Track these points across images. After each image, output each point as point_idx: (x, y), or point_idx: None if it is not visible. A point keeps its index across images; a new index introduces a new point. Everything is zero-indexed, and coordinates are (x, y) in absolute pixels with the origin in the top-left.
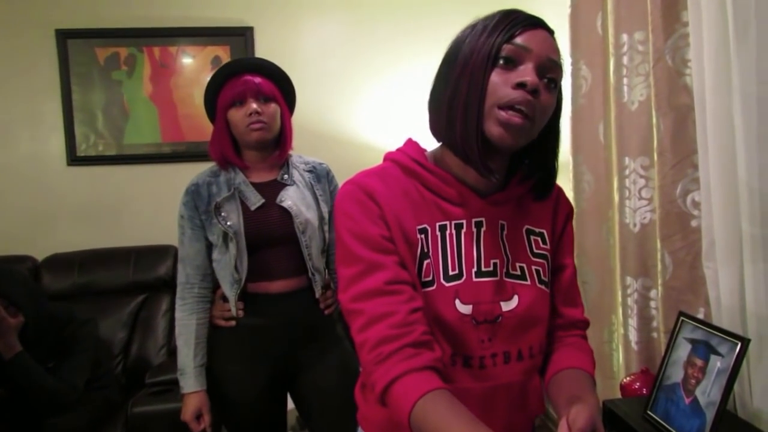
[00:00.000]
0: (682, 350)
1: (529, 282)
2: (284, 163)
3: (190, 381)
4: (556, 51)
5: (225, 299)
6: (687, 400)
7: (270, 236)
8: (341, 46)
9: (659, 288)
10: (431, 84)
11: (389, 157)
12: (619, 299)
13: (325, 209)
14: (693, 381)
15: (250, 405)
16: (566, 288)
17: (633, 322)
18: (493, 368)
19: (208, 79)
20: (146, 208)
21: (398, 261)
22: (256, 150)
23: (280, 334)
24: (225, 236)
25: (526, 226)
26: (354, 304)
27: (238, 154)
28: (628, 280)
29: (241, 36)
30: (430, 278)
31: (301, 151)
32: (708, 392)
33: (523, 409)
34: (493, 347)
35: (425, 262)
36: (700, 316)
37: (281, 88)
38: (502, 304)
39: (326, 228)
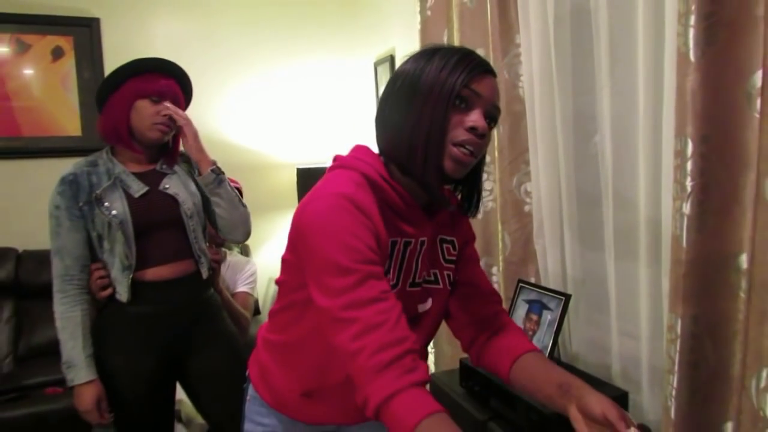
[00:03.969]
0: (521, 309)
1: (441, 285)
2: (163, 159)
3: (82, 372)
4: (499, 96)
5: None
6: None
7: (156, 222)
8: (192, 43)
9: (500, 263)
10: (382, 101)
11: (357, 168)
12: None
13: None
14: (530, 333)
15: (137, 397)
16: (478, 271)
17: None
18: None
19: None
20: None
21: (383, 271)
22: (147, 144)
23: (168, 321)
24: (109, 226)
25: (440, 236)
26: (346, 312)
27: (131, 138)
28: None
29: (86, 27)
30: (394, 282)
31: None
32: (542, 339)
33: None
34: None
35: (392, 267)
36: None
37: (187, 101)
38: (418, 306)
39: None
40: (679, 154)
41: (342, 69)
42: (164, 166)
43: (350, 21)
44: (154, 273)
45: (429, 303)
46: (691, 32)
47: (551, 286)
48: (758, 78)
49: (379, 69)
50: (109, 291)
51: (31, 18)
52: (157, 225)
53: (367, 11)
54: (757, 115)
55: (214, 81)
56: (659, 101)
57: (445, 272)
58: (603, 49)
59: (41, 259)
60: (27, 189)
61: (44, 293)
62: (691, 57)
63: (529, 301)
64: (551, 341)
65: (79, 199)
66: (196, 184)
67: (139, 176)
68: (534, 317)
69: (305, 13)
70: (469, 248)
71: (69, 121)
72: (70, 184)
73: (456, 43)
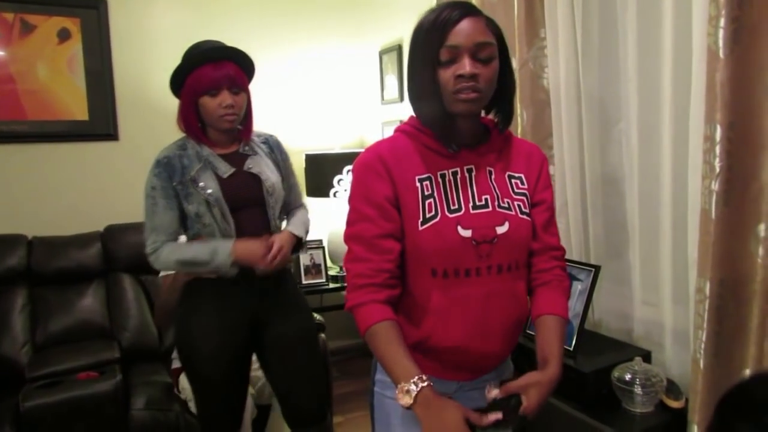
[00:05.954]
0: None
1: (514, 213)
2: (246, 139)
3: (226, 243)
4: (483, 31)
5: None
6: None
7: (243, 199)
8: (199, 28)
9: None
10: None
11: (397, 129)
12: None
13: (280, 175)
14: None
15: (221, 355)
16: (543, 218)
17: None
18: (488, 276)
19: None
20: None
21: (391, 219)
22: (223, 133)
23: (253, 289)
24: (207, 203)
25: (508, 172)
26: (348, 240)
27: (204, 132)
28: None
29: (93, 9)
30: (433, 213)
31: (161, 131)
32: (573, 307)
33: (514, 308)
34: (489, 260)
35: (427, 202)
36: None
37: (248, 75)
38: (497, 228)
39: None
40: (709, 138)
41: (348, 57)
42: (246, 148)
43: (356, 9)
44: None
45: (506, 226)
46: (721, 33)
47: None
48: None
49: (385, 58)
50: (212, 275)
51: None
52: (244, 202)
53: (375, 3)
54: None
55: None
56: (683, 92)
57: (516, 202)
58: (630, 44)
59: (54, 245)
60: (34, 174)
61: (57, 280)
62: (721, 54)
63: None
64: (582, 308)
65: (173, 180)
66: (275, 164)
67: (225, 158)
68: None
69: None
70: (538, 196)
71: (76, 105)
72: (165, 166)
73: None
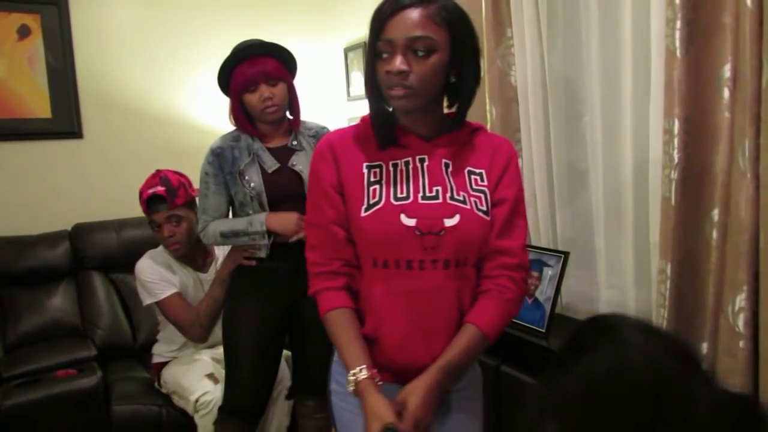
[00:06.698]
0: None
1: (468, 207)
2: (296, 129)
3: (261, 215)
4: (422, 23)
5: None
6: (530, 301)
7: (284, 194)
8: (161, 26)
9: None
10: None
11: (362, 117)
12: None
13: None
14: (533, 287)
15: (260, 334)
16: (503, 220)
17: None
18: (433, 271)
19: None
20: None
21: (334, 205)
22: (271, 123)
23: (292, 277)
24: (250, 197)
25: (468, 167)
26: (306, 227)
27: (252, 125)
28: None
29: (53, 5)
30: (377, 199)
31: (125, 129)
32: (544, 291)
33: (458, 309)
34: (435, 254)
35: (372, 188)
36: None
37: (286, 65)
38: (445, 220)
39: None
40: (668, 131)
41: (313, 53)
42: (294, 142)
43: (320, 5)
44: (282, 237)
45: (456, 219)
46: (677, 34)
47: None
48: (727, 70)
49: (351, 54)
50: (252, 263)
51: None
52: (284, 197)
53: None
54: (726, 100)
55: (185, 63)
56: (643, 88)
57: (472, 198)
58: (593, 44)
59: (21, 244)
60: None
61: (25, 280)
62: (678, 54)
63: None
64: (553, 293)
65: (224, 169)
66: None
67: (273, 152)
68: (535, 274)
69: None
70: (499, 194)
71: (37, 103)
72: (218, 156)
73: None
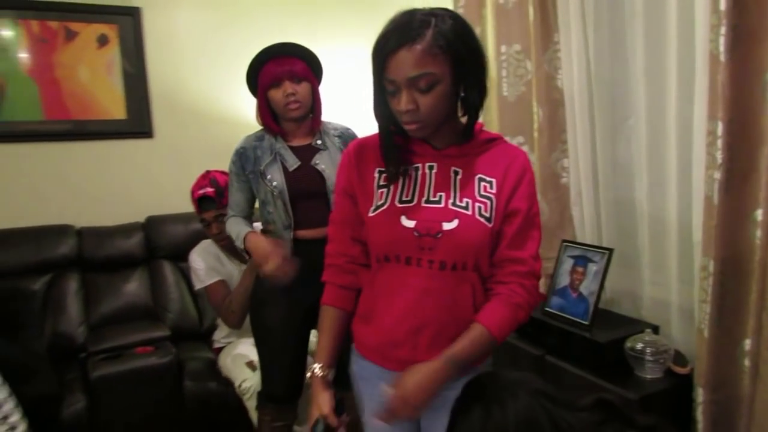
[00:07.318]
0: (567, 264)
1: (470, 213)
2: (317, 129)
3: (246, 231)
4: (419, 61)
5: None
6: (574, 295)
7: (305, 192)
8: (227, 31)
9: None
10: None
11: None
12: None
13: None
14: (577, 282)
15: (286, 328)
16: (515, 231)
17: None
18: (428, 270)
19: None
20: (25, 188)
21: (345, 207)
22: (294, 121)
23: (315, 272)
24: (272, 194)
25: (479, 175)
26: (329, 222)
27: (277, 123)
28: None
29: (129, 16)
30: (383, 201)
31: (192, 129)
32: (589, 286)
33: (452, 312)
34: (432, 255)
35: (380, 191)
36: None
37: (311, 67)
38: (443, 224)
39: None
40: (711, 133)
41: (367, 58)
42: (319, 142)
43: (377, 8)
44: (304, 234)
45: (455, 223)
46: (722, 39)
47: None
48: None
49: None
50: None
51: (78, 6)
52: (306, 195)
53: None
54: None
55: (245, 65)
56: (687, 91)
57: (476, 204)
58: (638, 48)
59: (100, 235)
60: (78, 169)
61: (106, 267)
62: (721, 58)
63: (574, 257)
64: (598, 287)
65: (245, 168)
66: None
67: (296, 150)
68: (580, 269)
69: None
70: (513, 205)
71: (114, 105)
72: (240, 156)
73: (490, 40)
